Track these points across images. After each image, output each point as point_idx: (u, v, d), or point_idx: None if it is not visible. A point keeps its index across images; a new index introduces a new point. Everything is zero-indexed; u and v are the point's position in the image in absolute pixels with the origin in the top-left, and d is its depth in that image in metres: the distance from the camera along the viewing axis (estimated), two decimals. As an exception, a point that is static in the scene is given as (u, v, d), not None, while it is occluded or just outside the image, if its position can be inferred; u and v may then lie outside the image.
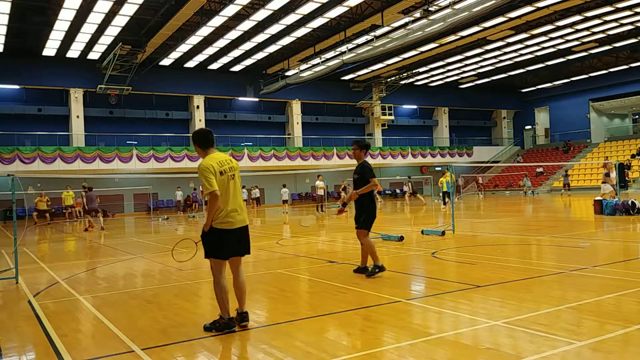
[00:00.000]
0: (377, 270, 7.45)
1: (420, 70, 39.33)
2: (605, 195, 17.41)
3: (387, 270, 7.62)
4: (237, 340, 4.85)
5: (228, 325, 4.96)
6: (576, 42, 33.97)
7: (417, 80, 43.55)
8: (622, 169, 20.20)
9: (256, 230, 18.43)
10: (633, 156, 37.73)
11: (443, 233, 12.63)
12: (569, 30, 31.06)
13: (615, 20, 29.69)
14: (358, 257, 8.18)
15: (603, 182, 18.11)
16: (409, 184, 33.22)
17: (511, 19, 27.96)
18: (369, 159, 7.92)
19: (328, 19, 26.63)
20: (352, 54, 28.92)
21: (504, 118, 50.96)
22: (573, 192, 34.82)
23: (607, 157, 37.79)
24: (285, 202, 29.92)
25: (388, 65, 36.86)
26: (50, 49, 29.61)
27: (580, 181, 38.29)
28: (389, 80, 41.52)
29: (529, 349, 4.12)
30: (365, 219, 7.56)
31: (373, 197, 7.68)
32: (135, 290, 7.79)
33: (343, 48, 29.49)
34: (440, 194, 25.57)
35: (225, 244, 5.02)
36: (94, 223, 21.11)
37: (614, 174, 18.22)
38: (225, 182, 5.04)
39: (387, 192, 41.84)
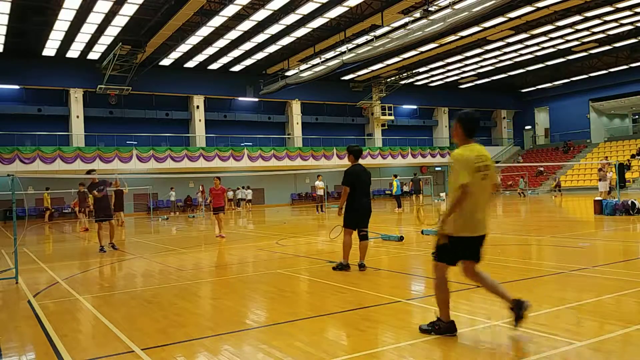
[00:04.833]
0: (339, 267, 8.12)
1: (420, 70, 39.33)
2: (602, 194, 17.43)
3: (350, 270, 8.06)
4: (237, 340, 4.85)
5: (448, 329, 4.60)
6: (576, 42, 33.97)
7: (417, 80, 43.55)
8: (622, 169, 20.22)
9: (255, 230, 18.44)
10: (633, 156, 37.72)
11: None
12: (569, 30, 31.06)
13: (615, 20, 29.69)
14: (357, 257, 8.21)
15: (600, 180, 18.14)
16: (411, 182, 33.01)
17: (511, 19, 27.96)
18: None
19: (328, 19, 26.62)
20: (352, 54, 28.92)
21: (504, 118, 50.96)
22: (573, 192, 34.85)
23: (606, 157, 37.79)
24: (249, 201, 34.57)
25: (388, 65, 36.86)
26: (50, 49, 29.61)
27: (580, 181, 38.30)
28: (388, 80, 41.51)
29: (529, 349, 4.12)
30: (344, 220, 8.19)
31: (353, 201, 8.06)
32: (135, 290, 7.78)
33: (343, 48, 29.48)
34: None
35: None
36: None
37: (610, 174, 18.26)
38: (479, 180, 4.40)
39: (386, 192, 41.86)
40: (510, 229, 14.59)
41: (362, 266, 8.04)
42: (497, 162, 46.27)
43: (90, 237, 17.52)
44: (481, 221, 4.50)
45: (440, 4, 23.71)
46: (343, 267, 8.07)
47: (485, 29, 29.35)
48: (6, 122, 31.04)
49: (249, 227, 20.09)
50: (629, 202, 15.78)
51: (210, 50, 31.30)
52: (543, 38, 32.45)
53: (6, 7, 22.91)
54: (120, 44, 27.36)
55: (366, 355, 4.21)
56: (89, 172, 13.59)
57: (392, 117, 43.65)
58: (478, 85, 46.11)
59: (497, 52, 35.31)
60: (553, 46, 34.62)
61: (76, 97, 32.89)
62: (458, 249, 4.54)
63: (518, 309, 4.42)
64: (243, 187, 35.42)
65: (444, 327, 4.59)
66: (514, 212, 22.20)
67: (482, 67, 39.51)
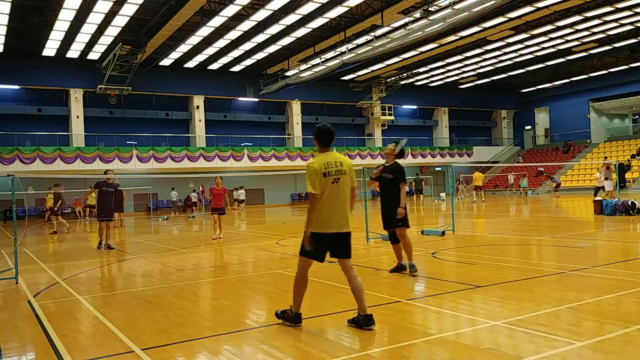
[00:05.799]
0: (414, 270, 7.64)
1: (420, 70, 39.31)
2: (606, 194, 17.41)
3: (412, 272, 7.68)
4: (237, 340, 4.85)
5: (294, 319, 5.06)
6: (576, 42, 33.95)
7: (417, 81, 43.53)
8: (622, 169, 20.25)
9: (255, 230, 18.44)
10: (633, 156, 37.72)
11: (443, 233, 12.64)
12: (569, 30, 31.04)
13: (615, 20, 29.67)
14: (357, 257, 8.18)
15: (606, 179, 18.10)
16: (413, 182, 32.90)
17: (511, 19, 27.94)
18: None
19: (328, 19, 26.61)
20: (352, 54, 28.91)
21: (504, 118, 50.93)
22: (574, 192, 34.83)
23: (605, 157, 37.78)
24: (242, 202, 33.85)
25: (388, 65, 36.85)
26: (50, 49, 29.60)
27: (580, 181, 38.27)
28: (388, 80, 41.51)
29: (529, 349, 4.12)
30: (407, 219, 7.68)
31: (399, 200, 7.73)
32: (135, 290, 7.78)
33: (343, 48, 29.47)
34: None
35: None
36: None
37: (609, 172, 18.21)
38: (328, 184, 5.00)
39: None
40: (510, 229, 14.59)
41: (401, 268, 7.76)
42: (497, 162, 46.34)
43: (89, 238, 17.52)
44: (335, 219, 4.95)
45: (440, 4, 23.70)
46: (403, 267, 7.75)
47: (485, 29, 29.34)
48: (6, 122, 31.02)
49: (248, 227, 20.09)
50: (629, 202, 15.78)
51: (210, 50, 31.29)
52: (543, 38, 32.44)
53: (6, 7, 22.90)
54: (120, 44, 27.34)
55: (366, 355, 4.22)
56: (106, 172, 13.84)
57: (392, 117, 43.64)
58: (478, 85, 46.09)
59: (497, 52, 35.29)
60: (553, 46, 34.60)
61: (76, 97, 32.89)
62: (315, 243, 4.97)
63: (364, 322, 4.82)
64: (237, 188, 35.25)
65: (290, 317, 5.07)
66: (515, 212, 22.19)
67: (482, 67, 39.47)
